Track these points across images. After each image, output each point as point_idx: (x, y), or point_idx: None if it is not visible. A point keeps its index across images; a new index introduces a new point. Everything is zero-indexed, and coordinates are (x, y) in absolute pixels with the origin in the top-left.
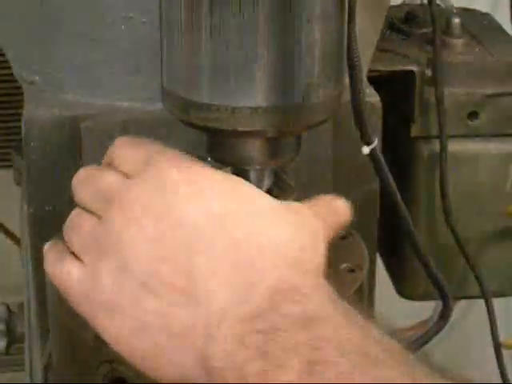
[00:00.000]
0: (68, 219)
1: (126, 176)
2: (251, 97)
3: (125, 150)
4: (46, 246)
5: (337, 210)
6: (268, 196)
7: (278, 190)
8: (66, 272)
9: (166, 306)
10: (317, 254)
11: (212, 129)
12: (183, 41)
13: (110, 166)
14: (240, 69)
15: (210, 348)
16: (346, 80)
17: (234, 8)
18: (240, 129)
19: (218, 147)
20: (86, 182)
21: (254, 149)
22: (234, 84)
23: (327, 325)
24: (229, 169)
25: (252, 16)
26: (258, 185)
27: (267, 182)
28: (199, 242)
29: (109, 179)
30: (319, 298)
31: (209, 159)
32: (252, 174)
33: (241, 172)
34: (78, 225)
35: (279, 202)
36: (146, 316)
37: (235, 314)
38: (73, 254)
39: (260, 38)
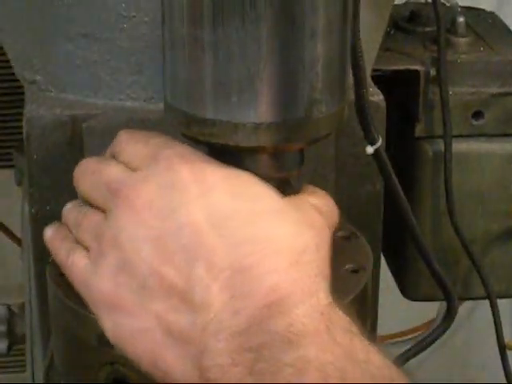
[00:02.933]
0: (70, 208)
1: (132, 169)
2: (254, 112)
3: (129, 145)
4: (49, 233)
5: (332, 205)
6: (274, 193)
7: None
8: (73, 261)
9: (166, 310)
10: (319, 255)
11: (215, 144)
12: (186, 56)
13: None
14: (243, 84)
15: (206, 360)
16: (350, 79)
17: (236, 23)
18: (243, 144)
19: (220, 161)
20: (90, 173)
21: (257, 164)
22: (237, 99)
23: (311, 345)
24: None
25: (255, 31)
26: None
27: None
28: (200, 246)
29: (113, 171)
30: (306, 310)
31: None
32: None
33: None
34: (81, 217)
35: (284, 199)
36: (147, 318)
37: (229, 325)
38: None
39: (263, 53)
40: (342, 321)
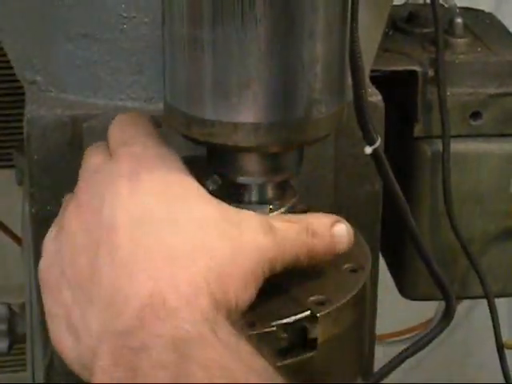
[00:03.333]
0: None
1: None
2: (253, 113)
3: (113, 129)
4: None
5: (324, 232)
6: (209, 203)
7: (280, 191)
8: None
9: (72, 301)
10: (222, 267)
11: (214, 144)
12: (186, 57)
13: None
14: (242, 84)
15: (93, 363)
16: (349, 80)
17: (236, 23)
18: (242, 145)
19: (220, 162)
20: (83, 161)
21: (257, 164)
22: (237, 100)
23: (195, 346)
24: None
25: (254, 31)
26: (261, 199)
27: (270, 196)
28: (108, 245)
29: (90, 161)
30: (187, 316)
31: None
32: (254, 188)
33: (243, 186)
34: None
35: (223, 211)
36: (59, 305)
37: (111, 329)
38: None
39: (262, 54)
40: (226, 328)
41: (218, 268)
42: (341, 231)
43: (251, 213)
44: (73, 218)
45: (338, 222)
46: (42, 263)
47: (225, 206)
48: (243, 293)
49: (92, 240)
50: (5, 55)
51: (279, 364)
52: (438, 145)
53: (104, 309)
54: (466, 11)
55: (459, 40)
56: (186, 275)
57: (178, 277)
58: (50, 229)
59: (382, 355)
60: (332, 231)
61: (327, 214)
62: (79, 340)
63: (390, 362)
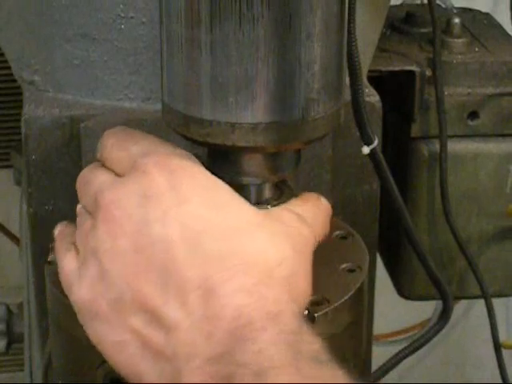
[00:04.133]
0: (80, 209)
1: (119, 176)
2: (251, 113)
3: (113, 151)
4: (58, 228)
5: (323, 209)
6: (250, 206)
7: (278, 191)
8: (64, 262)
9: (141, 325)
10: (294, 268)
11: (212, 144)
12: (183, 57)
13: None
14: (240, 85)
15: (178, 381)
16: (347, 80)
17: (233, 24)
18: (240, 145)
19: (218, 162)
20: (83, 184)
21: (254, 164)
22: (234, 100)
23: (277, 378)
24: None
25: (252, 32)
26: (258, 199)
27: (268, 196)
28: (173, 263)
29: (99, 180)
30: (272, 337)
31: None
32: (252, 188)
33: (241, 186)
34: (82, 222)
35: (262, 212)
36: (122, 331)
37: (203, 351)
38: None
39: (260, 55)
40: (309, 350)
41: (288, 273)
42: (326, 202)
43: (278, 208)
44: (109, 239)
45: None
46: (82, 293)
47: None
48: (309, 288)
49: (148, 260)
50: (2, 55)
51: None
52: (436, 145)
53: (195, 326)
54: (463, 11)
55: (456, 40)
56: (269, 290)
57: (261, 292)
58: (62, 255)
59: (379, 355)
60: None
61: (305, 194)
62: (160, 360)
63: (387, 361)
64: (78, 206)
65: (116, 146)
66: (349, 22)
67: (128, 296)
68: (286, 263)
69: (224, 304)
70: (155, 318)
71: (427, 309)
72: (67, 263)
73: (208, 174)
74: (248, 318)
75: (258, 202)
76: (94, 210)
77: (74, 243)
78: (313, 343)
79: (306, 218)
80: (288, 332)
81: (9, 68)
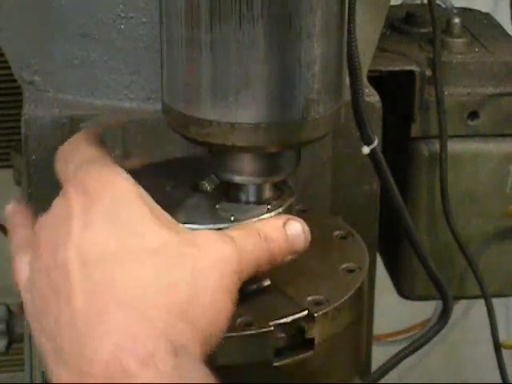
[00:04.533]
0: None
1: None
2: (251, 113)
3: (55, 167)
4: (10, 207)
5: (277, 235)
6: (165, 225)
7: (278, 191)
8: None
9: (46, 349)
10: (189, 291)
11: (212, 144)
12: (183, 57)
13: None
14: (240, 85)
15: None
16: (347, 80)
17: (233, 24)
18: (240, 145)
19: (218, 162)
20: None
21: (254, 164)
22: (234, 100)
23: None
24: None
25: (251, 32)
26: (258, 199)
27: (268, 196)
28: (65, 295)
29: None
30: (153, 376)
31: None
32: (252, 188)
33: (241, 186)
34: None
35: (176, 230)
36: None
37: None
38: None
39: (260, 54)
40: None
41: (182, 299)
42: (294, 229)
43: (205, 228)
44: (35, 259)
45: (289, 220)
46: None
47: (177, 224)
48: (217, 312)
49: (52, 287)
50: (2, 55)
51: (276, 364)
52: (436, 145)
53: (72, 369)
54: (463, 11)
55: (456, 40)
56: (143, 328)
57: (134, 332)
58: (21, 253)
59: (379, 355)
60: (285, 231)
61: (278, 216)
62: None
63: (387, 361)
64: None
65: (60, 160)
66: (349, 22)
67: (40, 320)
68: (176, 292)
69: (99, 346)
70: (53, 346)
71: (427, 309)
72: (21, 267)
73: (130, 194)
74: (119, 365)
75: (258, 202)
76: None
77: (26, 240)
78: (193, 372)
79: (235, 240)
80: (164, 373)
81: (9, 68)
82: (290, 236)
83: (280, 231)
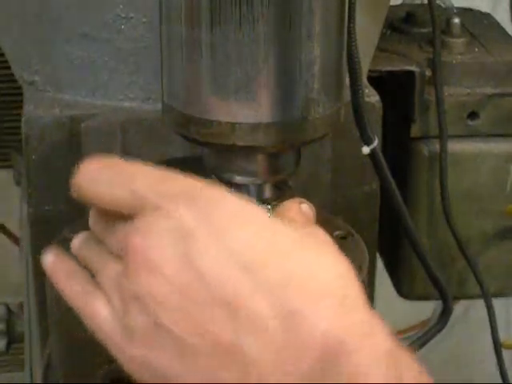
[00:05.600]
0: (85, 242)
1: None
2: (251, 113)
3: (111, 194)
4: (50, 259)
5: (302, 209)
6: (281, 224)
7: (277, 191)
8: (93, 310)
9: (214, 366)
10: (353, 281)
11: (212, 144)
12: (184, 57)
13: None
14: (240, 85)
15: None
16: (347, 80)
17: (234, 24)
18: (240, 144)
19: (218, 161)
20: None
21: (254, 164)
22: (235, 100)
23: None
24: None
25: (252, 32)
26: (258, 199)
27: (268, 196)
28: (235, 295)
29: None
30: (366, 358)
31: None
32: (252, 188)
33: (241, 186)
34: (103, 264)
35: (292, 227)
36: (193, 377)
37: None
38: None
39: (260, 54)
40: (410, 377)
41: (351, 285)
42: (307, 210)
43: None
44: (152, 285)
45: (302, 203)
46: (136, 350)
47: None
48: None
49: (206, 299)
50: (3, 55)
51: None
52: (435, 145)
53: (278, 360)
54: (463, 11)
55: (456, 40)
56: (352, 309)
57: (345, 297)
58: (84, 301)
59: None
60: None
61: (291, 200)
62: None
63: None
64: (81, 238)
65: (113, 184)
66: (349, 22)
67: (193, 341)
68: (346, 280)
69: (310, 330)
70: (228, 357)
71: (427, 309)
72: (99, 311)
73: (232, 198)
74: (339, 344)
75: (258, 202)
76: (120, 251)
77: (90, 284)
78: (412, 361)
79: (301, 217)
80: (382, 351)
81: (9, 68)
82: (308, 216)
83: (301, 214)
